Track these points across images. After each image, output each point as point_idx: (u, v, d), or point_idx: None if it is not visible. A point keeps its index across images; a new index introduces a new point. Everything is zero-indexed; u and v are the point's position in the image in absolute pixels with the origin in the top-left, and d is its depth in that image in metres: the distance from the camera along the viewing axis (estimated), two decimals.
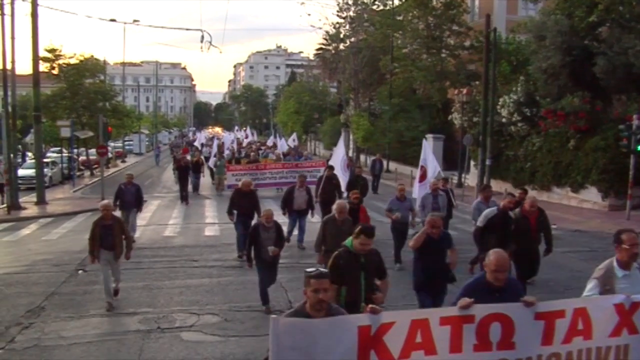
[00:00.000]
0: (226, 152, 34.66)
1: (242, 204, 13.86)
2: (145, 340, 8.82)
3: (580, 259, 14.53)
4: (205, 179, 30.76)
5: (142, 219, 21.24)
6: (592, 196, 23.06)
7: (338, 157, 20.12)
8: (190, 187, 26.85)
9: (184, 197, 25.27)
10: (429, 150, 18.03)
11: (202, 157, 31.68)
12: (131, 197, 16.24)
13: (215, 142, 38.14)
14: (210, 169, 31.62)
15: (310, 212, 15.78)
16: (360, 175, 18.58)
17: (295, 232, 15.68)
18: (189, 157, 29.57)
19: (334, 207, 9.91)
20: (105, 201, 10.74)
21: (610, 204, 22.31)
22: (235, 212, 14.01)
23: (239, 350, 8.49)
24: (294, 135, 50.11)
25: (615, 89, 23.30)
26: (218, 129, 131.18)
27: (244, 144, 46.26)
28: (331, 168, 17.94)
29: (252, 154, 32.77)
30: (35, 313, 10.11)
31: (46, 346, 8.64)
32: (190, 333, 9.13)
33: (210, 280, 12.28)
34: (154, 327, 9.36)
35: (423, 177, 16.96)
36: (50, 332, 9.17)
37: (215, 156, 32.47)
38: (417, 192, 16.64)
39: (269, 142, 48.90)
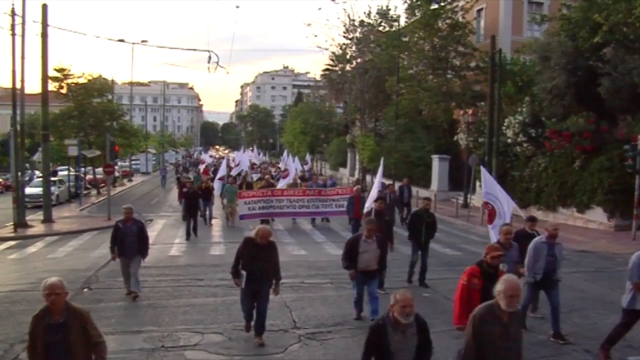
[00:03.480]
0: (235, 170, 33.02)
1: (256, 263, 9.20)
2: (149, 358, 8.81)
3: (585, 279, 14.47)
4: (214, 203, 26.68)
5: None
6: (597, 216, 23.00)
7: (375, 188, 16.98)
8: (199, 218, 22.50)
9: (193, 229, 20.97)
10: (492, 179, 13.63)
11: (211, 183, 27.46)
12: (133, 239, 12.35)
13: (224, 163, 33.95)
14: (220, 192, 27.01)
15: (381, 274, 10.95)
16: (427, 210, 13.94)
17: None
18: (190, 177, 28.41)
19: (501, 286, 5.40)
20: (51, 280, 5.72)
21: (616, 224, 22.25)
22: (243, 273, 9.34)
23: None
24: (308, 157, 48.21)
25: (620, 109, 23.34)
26: (224, 149, 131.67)
27: (257, 164, 44.84)
28: (382, 200, 13.93)
29: (267, 176, 28.58)
30: None
31: None
32: (194, 352, 9.11)
33: (215, 299, 12.25)
34: (158, 345, 9.34)
35: (492, 215, 12.78)
36: None
37: (222, 179, 28.98)
38: (494, 239, 11.98)
39: (282, 165, 41.81)
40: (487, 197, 12.89)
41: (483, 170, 14.11)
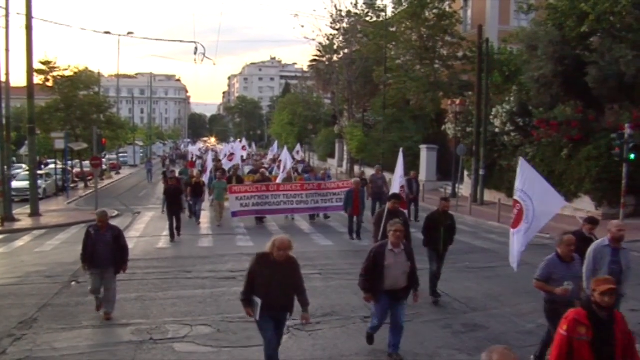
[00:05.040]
0: (224, 162, 31.74)
1: (273, 287, 6.97)
2: (138, 351, 8.77)
3: None
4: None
5: (136, 230, 21.26)
6: (585, 205, 23.11)
7: (396, 183, 14.56)
8: (186, 215, 21.28)
9: (177, 228, 18.97)
10: (533, 171, 10.57)
11: (202, 179, 24.91)
12: (106, 249, 10.10)
13: (210, 156, 33.09)
14: (208, 187, 24.77)
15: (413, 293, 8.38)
16: (446, 211, 11.87)
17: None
18: (177, 171, 27.73)
19: None
20: None
21: (604, 213, 22.31)
22: (258, 301, 7.01)
23: None
24: (299, 147, 46.02)
25: (607, 98, 23.44)
26: (213, 140, 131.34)
27: (249, 156, 44.04)
28: (396, 199, 11.75)
29: (262, 169, 26.33)
30: (27, 325, 10.05)
31: (38, 358, 8.58)
32: (183, 344, 9.08)
33: (204, 291, 12.22)
34: (147, 338, 9.30)
35: (518, 218, 10.22)
36: (43, 344, 9.11)
37: (211, 173, 27.04)
38: (516, 246, 10.22)
39: (270, 156, 41.05)
40: (519, 195, 10.29)
41: (522, 162, 10.72)
